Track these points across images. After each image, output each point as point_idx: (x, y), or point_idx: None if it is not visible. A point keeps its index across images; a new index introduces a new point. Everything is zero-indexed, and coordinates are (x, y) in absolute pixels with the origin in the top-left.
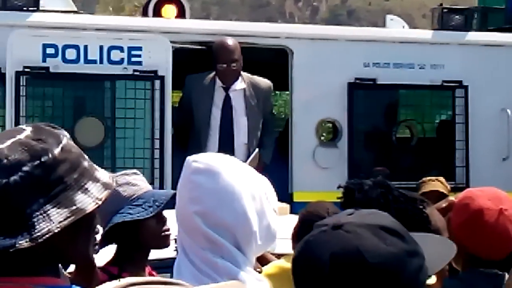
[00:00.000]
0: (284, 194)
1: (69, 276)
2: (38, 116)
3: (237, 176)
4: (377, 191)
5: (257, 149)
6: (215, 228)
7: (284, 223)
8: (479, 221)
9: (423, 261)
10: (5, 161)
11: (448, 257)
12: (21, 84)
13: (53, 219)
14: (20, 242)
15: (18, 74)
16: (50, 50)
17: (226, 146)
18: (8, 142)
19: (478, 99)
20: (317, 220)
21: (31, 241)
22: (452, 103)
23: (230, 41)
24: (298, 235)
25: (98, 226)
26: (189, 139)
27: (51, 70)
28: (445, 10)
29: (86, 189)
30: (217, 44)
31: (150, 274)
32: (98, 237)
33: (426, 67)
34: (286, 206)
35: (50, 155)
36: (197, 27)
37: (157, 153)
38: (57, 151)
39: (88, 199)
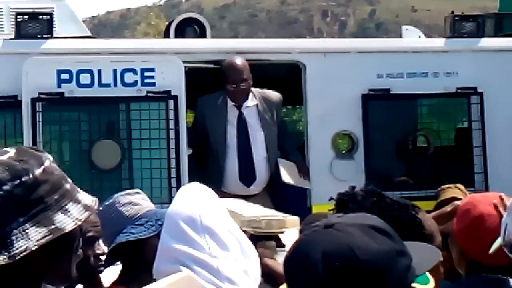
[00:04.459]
0: (303, 207)
1: None
2: (55, 141)
3: None
4: (370, 200)
5: (280, 162)
6: None
7: (295, 236)
8: (480, 227)
9: (410, 262)
10: None
11: (432, 261)
12: (37, 110)
13: (31, 237)
14: None
15: (34, 100)
16: (64, 76)
17: (246, 162)
18: None
19: (494, 104)
20: None
21: (9, 259)
22: (468, 110)
23: (238, 61)
24: None
25: (104, 247)
26: (208, 158)
27: (66, 95)
28: (456, 18)
29: (67, 209)
30: (226, 65)
31: None
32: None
33: (440, 75)
34: (296, 219)
35: (30, 175)
36: (209, 46)
37: (173, 172)
38: (38, 171)
39: (68, 219)
